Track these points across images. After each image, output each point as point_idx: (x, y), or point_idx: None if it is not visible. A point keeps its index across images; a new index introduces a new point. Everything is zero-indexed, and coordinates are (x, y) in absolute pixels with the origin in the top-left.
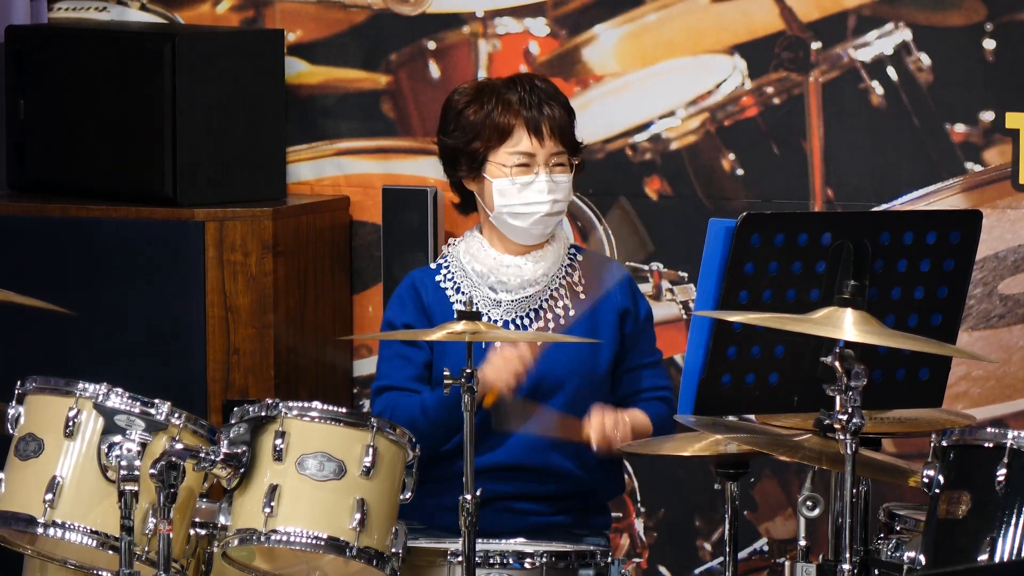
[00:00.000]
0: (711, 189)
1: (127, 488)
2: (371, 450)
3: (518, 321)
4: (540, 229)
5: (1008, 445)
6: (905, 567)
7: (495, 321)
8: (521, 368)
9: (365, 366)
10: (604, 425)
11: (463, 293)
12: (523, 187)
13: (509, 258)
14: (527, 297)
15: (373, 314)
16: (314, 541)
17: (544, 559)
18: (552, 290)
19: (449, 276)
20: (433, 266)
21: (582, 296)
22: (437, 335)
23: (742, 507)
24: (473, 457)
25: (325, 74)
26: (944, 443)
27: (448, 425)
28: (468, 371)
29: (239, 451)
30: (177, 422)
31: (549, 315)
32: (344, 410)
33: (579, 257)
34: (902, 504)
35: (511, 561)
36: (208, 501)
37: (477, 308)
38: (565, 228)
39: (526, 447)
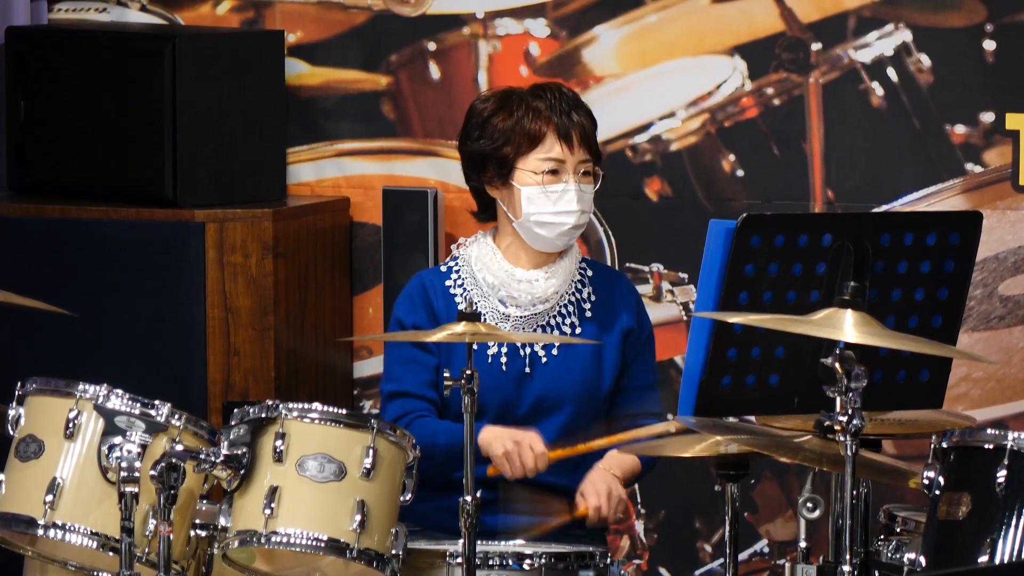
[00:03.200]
0: (711, 190)
1: (127, 489)
2: (371, 451)
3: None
4: (564, 240)
5: (1008, 447)
6: (905, 568)
7: None
8: (531, 470)
9: (366, 367)
10: (601, 505)
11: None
12: (553, 197)
13: (521, 272)
14: (536, 314)
15: (373, 315)
16: (314, 542)
17: (543, 560)
18: (561, 307)
19: (459, 282)
20: (443, 268)
21: (588, 314)
22: (437, 336)
23: (742, 509)
24: (473, 462)
25: (325, 75)
26: (944, 444)
27: (453, 464)
28: (468, 372)
29: (239, 452)
30: (177, 423)
31: (556, 332)
32: (344, 411)
33: (589, 272)
34: (902, 505)
35: (510, 562)
36: (208, 502)
37: (484, 318)
38: None
39: None
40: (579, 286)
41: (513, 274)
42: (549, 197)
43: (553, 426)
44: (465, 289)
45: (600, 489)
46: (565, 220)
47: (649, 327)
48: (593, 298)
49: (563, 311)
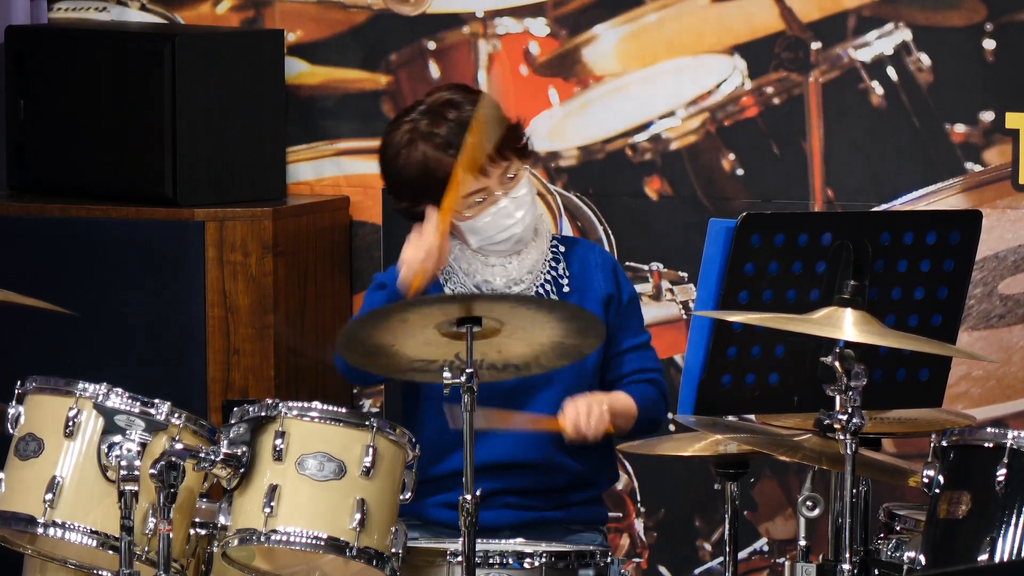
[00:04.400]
0: (711, 189)
1: (127, 488)
2: (371, 450)
3: None
4: (523, 243)
5: (1008, 445)
6: (905, 567)
7: None
8: (434, 243)
9: None
10: (579, 417)
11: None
12: (491, 220)
13: (494, 258)
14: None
15: None
16: (314, 541)
17: (543, 559)
18: (537, 286)
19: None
20: None
21: (567, 289)
22: None
23: (742, 507)
24: (473, 457)
25: (325, 74)
26: (944, 443)
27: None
28: (469, 371)
29: (239, 451)
30: (177, 422)
31: None
32: (344, 410)
33: (561, 248)
34: (902, 504)
35: (510, 561)
36: (208, 501)
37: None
38: (565, 226)
39: (516, 443)
40: (553, 263)
41: (486, 260)
42: (487, 223)
43: (542, 403)
44: (444, 276)
45: (580, 406)
46: (511, 232)
47: (630, 290)
48: (568, 273)
49: (540, 291)
